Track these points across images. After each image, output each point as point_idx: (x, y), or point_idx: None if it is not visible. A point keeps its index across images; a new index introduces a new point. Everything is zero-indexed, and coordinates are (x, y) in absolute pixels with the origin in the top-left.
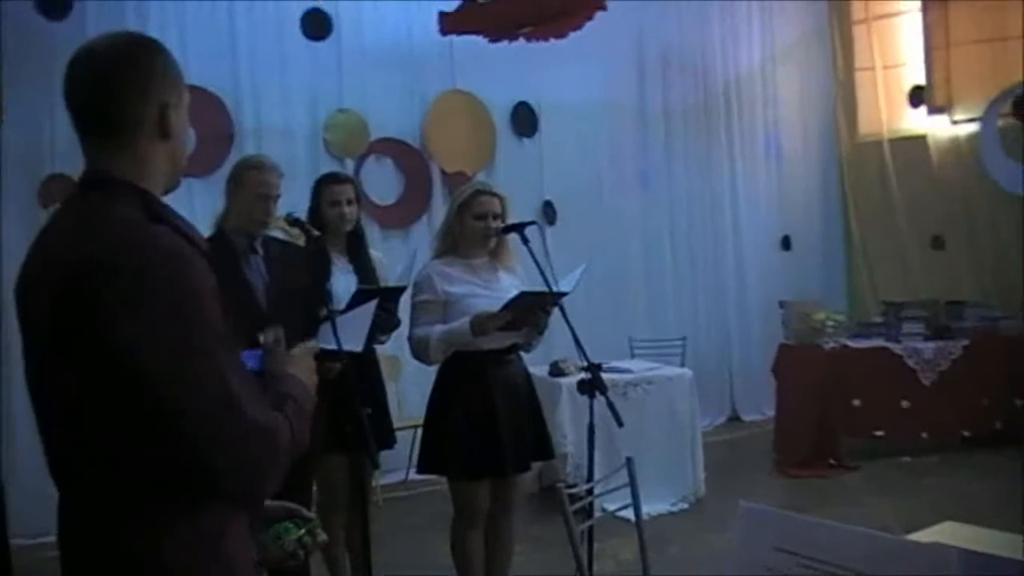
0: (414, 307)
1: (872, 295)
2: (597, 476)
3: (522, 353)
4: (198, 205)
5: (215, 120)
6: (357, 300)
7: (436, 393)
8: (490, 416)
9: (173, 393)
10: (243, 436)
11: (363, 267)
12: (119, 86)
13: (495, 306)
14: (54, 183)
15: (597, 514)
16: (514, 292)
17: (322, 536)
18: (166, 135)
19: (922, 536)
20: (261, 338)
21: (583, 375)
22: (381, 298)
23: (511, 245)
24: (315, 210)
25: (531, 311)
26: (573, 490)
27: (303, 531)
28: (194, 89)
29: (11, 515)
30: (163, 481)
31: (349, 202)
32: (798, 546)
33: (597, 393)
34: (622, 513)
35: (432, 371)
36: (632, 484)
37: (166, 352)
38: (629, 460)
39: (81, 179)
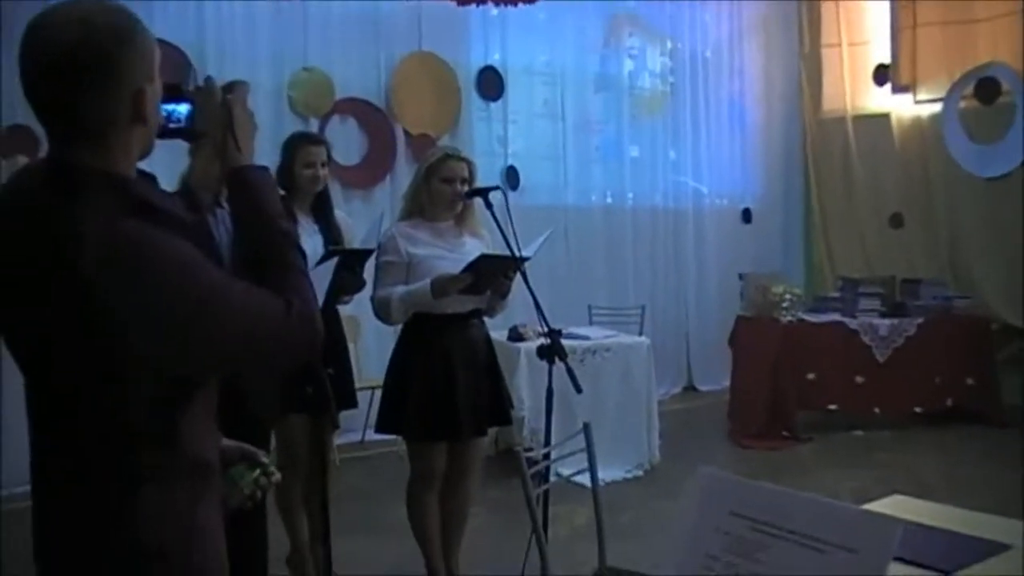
0: (378, 268)
1: (830, 270)
2: (554, 442)
3: (485, 318)
4: (158, 161)
5: (179, 76)
6: (326, 260)
7: (397, 354)
8: (448, 379)
9: (213, 350)
10: (289, 332)
11: (329, 228)
12: (87, 88)
13: (458, 269)
14: (15, 134)
15: (552, 479)
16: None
17: (276, 476)
18: (141, 119)
19: (870, 508)
20: (192, 87)
21: (542, 341)
22: (349, 260)
23: (478, 211)
24: (287, 169)
25: (493, 275)
26: (530, 454)
27: (258, 472)
28: (160, 43)
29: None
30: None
31: (323, 164)
32: (752, 511)
33: (556, 359)
34: (577, 479)
35: (392, 332)
36: (589, 450)
37: (184, 320)
38: (586, 426)
39: (46, 166)
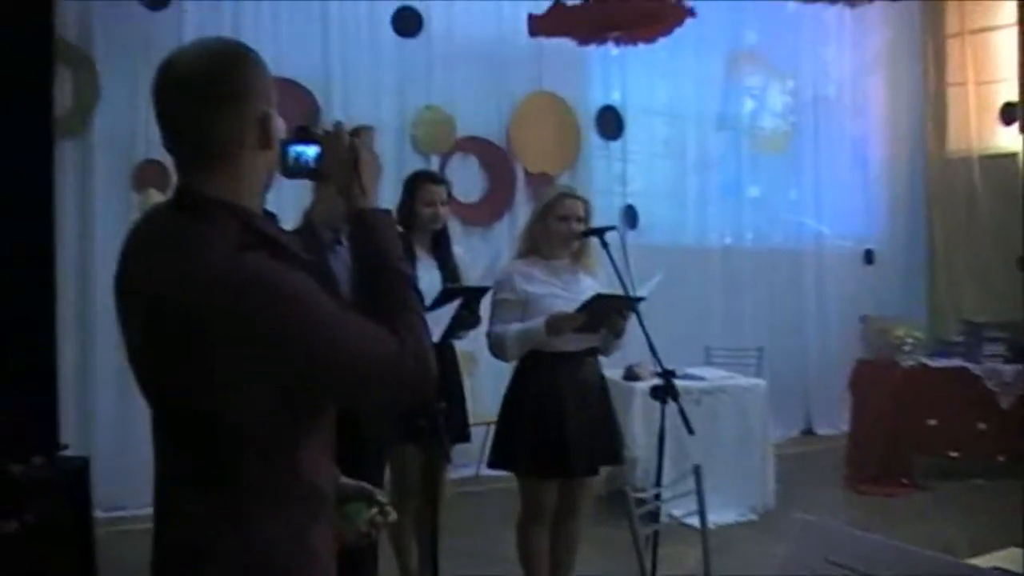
0: (494, 304)
1: (954, 314)
2: (666, 482)
3: (600, 357)
4: (286, 197)
5: (306, 113)
6: (443, 298)
7: (511, 390)
8: (560, 417)
9: (323, 372)
10: (402, 370)
11: (447, 265)
12: (218, 110)
13: (573, 308)
14: (148, 168)
15: (663, 520)
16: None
17: (392, 515)
18: (268, 145)
19: (985, 560)
20: (320, 130)
21: (657, 381)
22: (465, 296)
23: (593, 249)
24: (407, 206)
25: (607, 315)
26: (640, 495)
27: (375, 510)
28: (286, 82)
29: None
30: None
31: (443, 203)
32: (848, 558)
33: (669, 400)
34: (688, 520)
35: (507, 368)
36: (698, 492)
37: (297, 353)
38: (697, 468)
39: (176, 197)
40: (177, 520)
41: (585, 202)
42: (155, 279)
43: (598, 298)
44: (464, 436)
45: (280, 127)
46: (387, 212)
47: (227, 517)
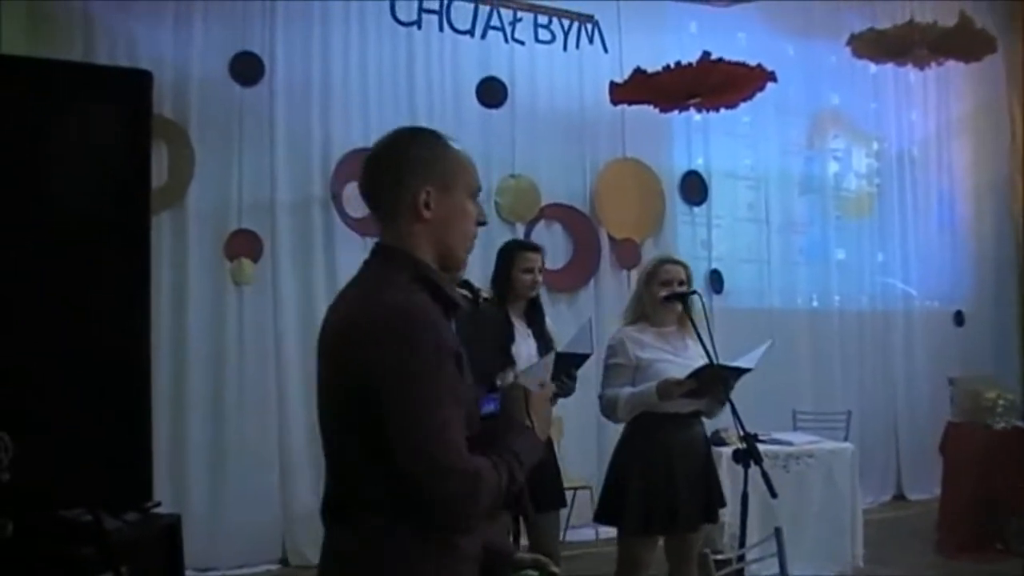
0: (607, 368)
1: None
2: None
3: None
4: None
5: None
6: (557, 363)
7: (621, 449)
8: (668, 474)
9: (397, 431)
10: (444, 475)
11: (542, 333)
12: (378, 176)
13: (683, 372)
14: (239, 237)
15: None
16: (700, 360)
17: None
18: (420, 218)
19: None
20: (498, 381)
21: (740, 445)
22: (566, 364)
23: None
24: (503, 274)
25: (714, 382)
26: (720, 556)
27: None
28: None
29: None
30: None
31: (540, 270)
32: None
33: (752, 463)
34: None
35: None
36: (780, 553)
37: (397, 396)
38: (778, 530)
39: (372, 247)
40: (328, 555)
41: (686, 267)
42: (344, 312)
43: (708, 367)
44: (561, 501)
45: (462, 215)
46: (541, 442)
47: (369, 549)
